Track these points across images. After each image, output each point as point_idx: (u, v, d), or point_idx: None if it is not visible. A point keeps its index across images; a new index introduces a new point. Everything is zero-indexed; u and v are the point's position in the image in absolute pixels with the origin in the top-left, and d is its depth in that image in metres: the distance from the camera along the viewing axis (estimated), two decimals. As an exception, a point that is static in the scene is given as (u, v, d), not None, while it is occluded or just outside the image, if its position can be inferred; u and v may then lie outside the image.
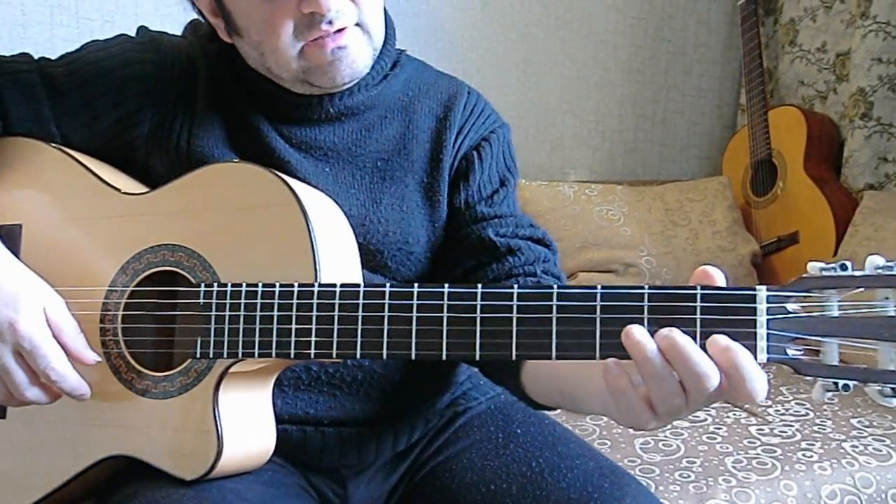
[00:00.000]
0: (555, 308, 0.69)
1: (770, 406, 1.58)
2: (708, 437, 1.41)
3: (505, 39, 2.20)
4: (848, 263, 0.63)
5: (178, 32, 1.02)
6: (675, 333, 0.63)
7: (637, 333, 0.64)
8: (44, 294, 0.83)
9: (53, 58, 0.97)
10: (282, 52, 0.88)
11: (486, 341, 0.71)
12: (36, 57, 0.98)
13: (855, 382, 0.62)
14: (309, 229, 0.79)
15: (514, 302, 0.71)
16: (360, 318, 0.75)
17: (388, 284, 0.76)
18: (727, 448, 1.37)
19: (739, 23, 2.34)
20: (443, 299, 0.73)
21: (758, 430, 1.45)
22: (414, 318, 0.74)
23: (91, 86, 0.93)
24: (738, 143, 2.38)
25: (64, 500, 0.89)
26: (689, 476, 1.26)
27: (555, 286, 0.70)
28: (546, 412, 1.01)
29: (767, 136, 2.24)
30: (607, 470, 0.89)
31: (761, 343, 0.64)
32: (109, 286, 0.87)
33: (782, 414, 1.54)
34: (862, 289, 0.62)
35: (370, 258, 0.94)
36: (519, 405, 1.04)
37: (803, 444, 1.39)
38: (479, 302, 0.72)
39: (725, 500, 1.21)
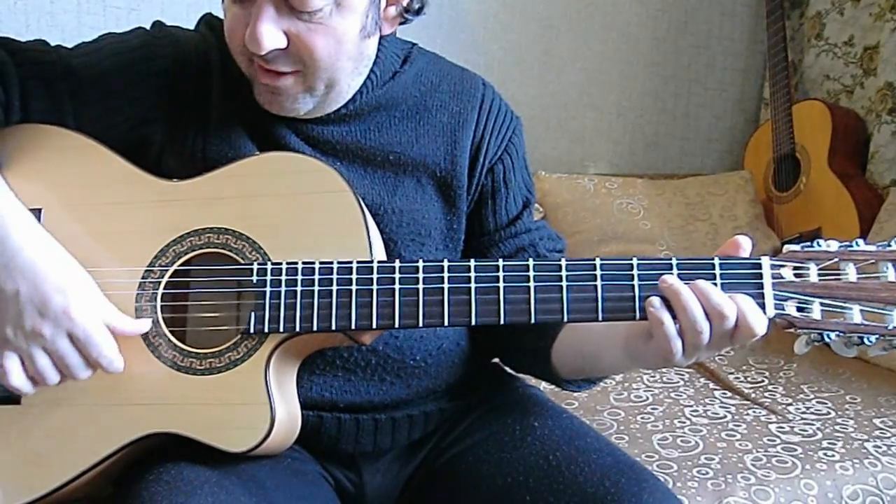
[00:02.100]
0: (599, 276, 0.81)
1: (791, 404, 1.56)
2: (727, 434, 1.40)
3: (526, 32, 2.19)
4: (821, 241, 0.80)
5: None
6: (699, 280, 0.79)
7: (670, 278, 0.79)
8: (86, 279, 0.84)
9: (70, 47, 0.97)
10: (237, 54, 0.91)
11: (540, 307, 0.81)
12: (54, 44, 0.97)
13: (837, 333, 0.77)
14: (363, 214, 0.86)
15: (563, 272, 0.82)
16: (420, 291, 0.82)
17: (445, 260, 0.83)
18: (746, 445, 1.35)
19: (765, 16, 2.32)
20: (498, 271, 0.82)
21: (778, 427, 1.44)
22: (473, 289, 0.82)
23: (111, 79, 0.93)
24: (761, 137, 2.35)
25: (81, 491, 0.88)
26: (707, 473, 1.25)
27: (597, 258, 0.81)
28: (564, 407, 1.01)
29: (791, 130, 2.21)
30: (625, 465, 0.89)
31: (769, 302, 0.79)
32: (147, 267, 0.88)
33: (803, 412, 1.52)
34: (835, 260, 0.79)
35: (384, 247, 0.94)
36: (536, 399, 1.03)
37: (824, 444, 1.37)
38: (531, 272, 0.82)
39: (744, 497, 1.20)
